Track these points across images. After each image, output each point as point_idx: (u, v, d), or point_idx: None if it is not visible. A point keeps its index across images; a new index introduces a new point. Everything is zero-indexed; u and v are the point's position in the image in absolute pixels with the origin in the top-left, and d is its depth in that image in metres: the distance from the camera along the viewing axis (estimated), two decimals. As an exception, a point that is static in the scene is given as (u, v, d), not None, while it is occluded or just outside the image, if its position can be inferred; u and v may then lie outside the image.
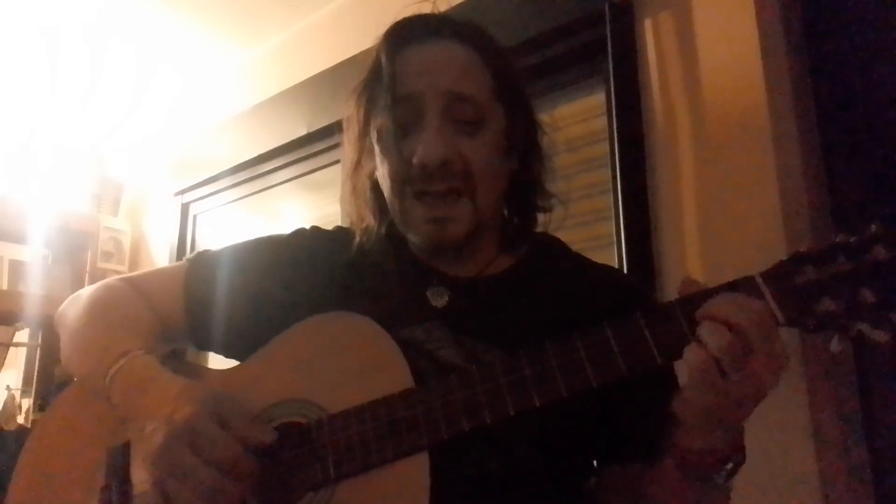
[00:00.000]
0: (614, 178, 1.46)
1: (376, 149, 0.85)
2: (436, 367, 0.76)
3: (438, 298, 0.83)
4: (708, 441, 0.64)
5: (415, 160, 0.78)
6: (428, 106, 0.79)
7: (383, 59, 0.82)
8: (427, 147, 0.77)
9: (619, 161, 1.44)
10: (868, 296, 0.61)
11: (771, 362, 0.60)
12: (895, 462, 1.14)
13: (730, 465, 0.66)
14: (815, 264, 0.64)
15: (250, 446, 0.69)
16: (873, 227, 0.63)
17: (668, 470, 0.69)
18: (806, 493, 1.11)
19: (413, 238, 0.85)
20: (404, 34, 0.83)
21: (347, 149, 0.91)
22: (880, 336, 0.60)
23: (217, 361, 0.91)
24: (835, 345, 0.63)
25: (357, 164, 0.90)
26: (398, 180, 0.81)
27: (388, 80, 0.80)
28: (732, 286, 0.65)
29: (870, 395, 1.17)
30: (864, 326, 0.61)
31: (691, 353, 0.61)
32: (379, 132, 0.83)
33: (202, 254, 0.94)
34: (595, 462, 0.84)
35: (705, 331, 0.60)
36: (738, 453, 0.66)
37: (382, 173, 0.84)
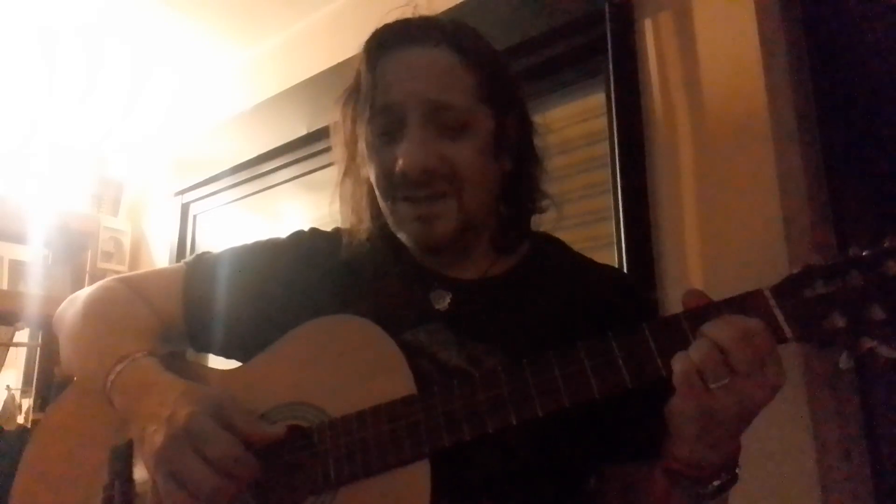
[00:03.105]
0: (614, 178, 1.46)
1: (365, 154, 0.85)
2: (438, 371, 0.77)
3: (440, 301, 0.83)
4: (693, 452, 0.65)
5: (397, 169, 0.78)
6: (409, 115, 0.79)
7: (363, 69, 0.82)
8: (407, 157, 0.77)
9: (619, 161, 1.43)
10: (879, 312, 0.60)
11: (760, 385, 0.60)
12: (895, 463, 1.14)
13: (717, 483, 0.66)
14: (825, 278, 0.62)
15: (255, 445, 0.69)
16: (887, 242, 0.62)
17: (658, 475, 0.70)
18: (806, 494, 1.11)
19: (403, 238, 0.85)
20: (384, 41, 0.83)
21: (337, 156, 0.91)
22: (890, 353, 0.59)
23: (216, 364, 0.91)
24: (844, 361, 0.62)
25: (347, 171, 0.90)
26: (383, 188, 0.82)
27: (367, 90, 0.81)
28: (740, 299, 0.65)
29: (870, 397, 1.17)
30: (873, 343, 0.60)
31: (677, 362, 0.62)
32: (365, 141, 0.84)
33: (201, 256, 0.94)
34: (595, 461, 0.84)
35: (693, 344, 0.62)
36: (728, 472, 0.66)
37: (372, 179, 0.85)
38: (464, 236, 0.83)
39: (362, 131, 0.84)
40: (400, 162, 0.78)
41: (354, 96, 0.86)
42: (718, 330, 0.61)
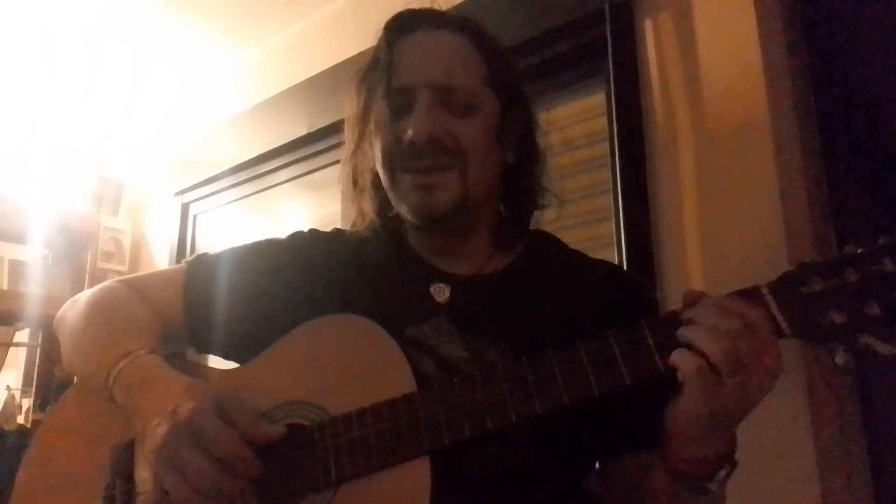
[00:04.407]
0: (614, 178, 1.46)
1: (374, 134, 0.87)
2: (440, 366, 0.77)
3: (441, 294, 0.84)
4: (697, 451, 0.65)
5: (404, 138, 0.80)
6: (420, 96, 0.81)
7: (383, 47, 0.85)
8: (415, 124, 0.80)
9: (619, 161, 1.44)
10: (875, 309, 0.60)
11: (761, 373, 0.60)
12: (895, 462, 1.14)
13: (721, 473, 0.66)
14: (822, 275, 0.63)
15: (256, 443, 0.69)
16: (882, 240, 0.62)
17: (661, 476, 0.70)
18: (806, 493, 1.11)
19: (403, 211, 0.86)
20: (402, 24, 0.86)
21: (347, 133, 0.93)
22: (886, 349, 0.60)
23: (217, 364, 0.91)
24: (840, 357, 0.62)
25: (356, 148, 0.91)
26: (389, 157, 0.84)
27: (384, 71, 0.84)
28: (738, 296, 0.65)
29: (870, 395, 1.18)
30: (870, 339, 0.61)
31: (685, 361, 0.61)
32: (376, 119, 0.86)
33: (201, 256, 0.95)
34: (596, 457, 0.84)
35: (701, 338, 0.61)
36: (728, 461, 0.67)
37: (377, 155, 0.86)
38: (463, 214, 0.83)
39: (373, 112, 0.87)
40: (409, 131, 0.80)
41: (370, 75, 0.88)
42: (716, 317, 0.61)
